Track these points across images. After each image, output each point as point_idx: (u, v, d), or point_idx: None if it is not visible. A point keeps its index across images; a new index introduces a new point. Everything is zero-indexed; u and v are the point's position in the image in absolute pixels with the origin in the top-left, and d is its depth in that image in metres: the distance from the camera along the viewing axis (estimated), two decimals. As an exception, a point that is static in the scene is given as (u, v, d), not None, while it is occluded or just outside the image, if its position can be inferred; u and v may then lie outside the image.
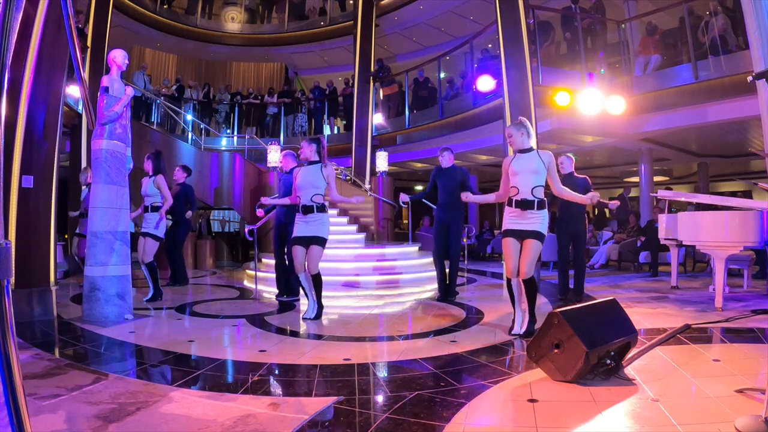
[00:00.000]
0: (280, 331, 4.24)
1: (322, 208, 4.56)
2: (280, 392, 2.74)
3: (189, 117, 12.70)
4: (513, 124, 3.97)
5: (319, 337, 4.02)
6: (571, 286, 5.72)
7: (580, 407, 2.38)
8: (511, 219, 3.85)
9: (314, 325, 4.52)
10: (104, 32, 9.11)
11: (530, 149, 3.86)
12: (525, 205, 3.75)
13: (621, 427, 2.17)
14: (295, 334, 4.19)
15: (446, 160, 5.74)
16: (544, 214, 3.79)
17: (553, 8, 9.23)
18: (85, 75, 7.27)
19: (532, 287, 3.83)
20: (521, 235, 3.81)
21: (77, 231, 7.05)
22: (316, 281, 4.64)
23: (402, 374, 3.02)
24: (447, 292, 5.73)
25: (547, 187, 3.91)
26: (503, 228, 3.94)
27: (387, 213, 9.86)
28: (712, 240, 4.73)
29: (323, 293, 5.93)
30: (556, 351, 2.70)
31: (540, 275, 7.33)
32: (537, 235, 3.76)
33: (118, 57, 4.69)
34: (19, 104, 4.25)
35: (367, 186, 10.57)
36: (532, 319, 3.92)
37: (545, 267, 8.65)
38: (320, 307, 4.67)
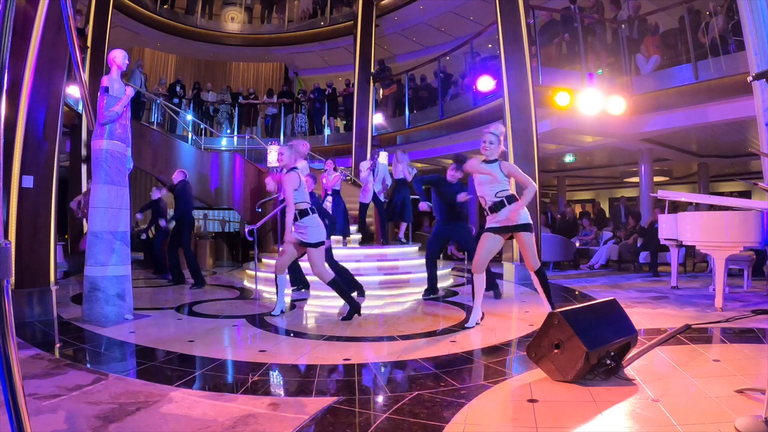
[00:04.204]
0: (280, 331, 4.24)
1: (304, 213, 4.57)
2: (280, 392, 2.74)
3: (189, 117, 12.70)
4: (490, 133, 4.20)
5: (319, 337, 4.02)
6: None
7: (580, 407, 2.38)
8: (494, 220, 4.13)
9: (313, 326, 4.52)
10: (104, 32, 9.11)
11: (494, 161, 4.15)
12: (496, 207, 4.07)
13: (621, 427, 2.17)
14: (295, 334, 4.18)
15: (451, 176, 5.69)
16: (520, 206, 4.06)
17: (553, 8, 9.23)
18: (85, 75, 7.29)
19: (543, 277, 4.17)
20: (506, 231, 4.11)
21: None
22: (335, 285, 4.64)
23: (402, 374, 3.02)
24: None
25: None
26: (486, 226, 4.19)
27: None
28: (712, 240, 4.73)
29: (322, 293, 5.93)
30: (556, 351, 2.70)
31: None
32: (525, 227, 4.08)
33: (118, 57, 4.69)
34: (19, 104, 4.25)
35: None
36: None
37: (545, 267, 8.65)
38: (352, 306, 4.64)
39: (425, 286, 5.97)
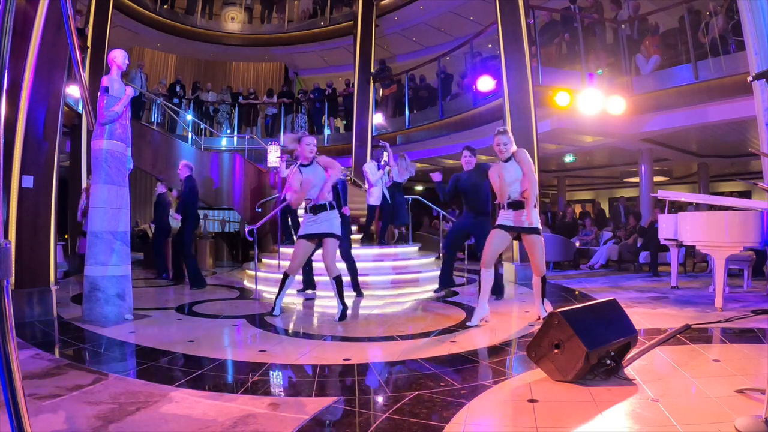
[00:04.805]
0: (280, 331, 4.24)
1: (332, 206, 4.63)
2: (280, 392, 2.74)
3: (189, 117, 12.70)
4: (503, 134, 4.19)
5: (319, 337, 4.02)
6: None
7: (580, 407, 2.38)
8: (506, 218, 4.20)
9: (314, 326, 4.52)
10: (104, 32, 9.11)
11: (510, 158, 4.20)
12: (517, 205, 4.14)
13: (621, 427, 2.17)
14: (295, 334, 4.19)
15: (466, 162, 5.56)
16: (533, 210, 4.13)
17: (553, 8, 9.23)
18: (85, 75, 7.28)
19: (545, 284, 4.28)
20: (516, 231, 4.19)
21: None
22: (338, 282, 4.64)
23: (402, 374, 3.02)
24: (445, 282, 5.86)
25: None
26: (497, 222, 4.23)
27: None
28: (712, 240, 4.73)
29: (322, 293, 5.93)
30: (556, 351, 2.70)
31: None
32: (536, 231, 4.17)
33: (118, 57, 4.69)
34: (19, 104, 4.25)
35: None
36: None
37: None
38: (345, 307, 4.63)
39: (426, 286, 5.97)
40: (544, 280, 4.28)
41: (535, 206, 4.18)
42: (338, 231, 4.62)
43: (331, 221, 4.58)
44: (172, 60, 15.67)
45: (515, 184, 4.14)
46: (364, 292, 6.06)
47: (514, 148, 4.22)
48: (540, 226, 4.21)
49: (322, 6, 14.27)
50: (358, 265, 6.16)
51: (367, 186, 7.97)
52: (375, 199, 7.86)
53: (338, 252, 5.05)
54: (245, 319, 4.70)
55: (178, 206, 7.02)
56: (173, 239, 7.13)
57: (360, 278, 6.14)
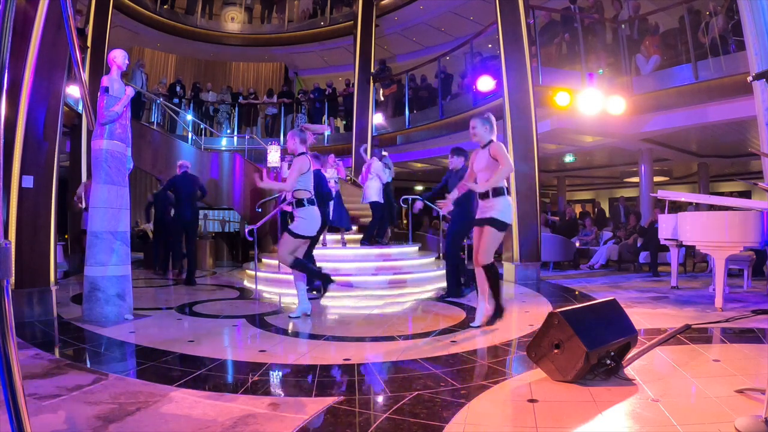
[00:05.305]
0: (280, 331, 4.24)
1: (300, 203, 4.59)
2: (280, 392, 2.74)
3: (189, 117, 12.70)
4: (476, 117, 4.11)
5: (319, 337, 4.02)
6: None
7: (580, 407, 2.38)
8: (479, 211, 4.11)
9: (314, 326, 4.52)
10: (104, 32, 9.11)
11: (487, 143, 4.03)
12: (482, 196, 4.02)
13: (621, 427, 2.17)
14: (295, 334, 4.19)
15: (454, 163, 5.61)
16: (500, 200, 3.94)
17: (553, 8, 9.23)
18: (85, 75, 7.29)
19: (491, 273, 4.00)
20: (479, 223, 4.04)
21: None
22: (299, 266, 4.67)
23: (402, 374, 3.02)
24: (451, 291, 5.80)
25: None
26: (476, 217, 4.18)
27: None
28: (712, 240, 4.73)
29: (322, 293, 5.90)
30: (556, 351, 2.70)
31: (540, 275, 7.33)
32: (492, 222, 3.91)
33: (118, 57, 4.69)
34: (19, 104, 4.25)
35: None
36: (498, 309, 4.09)
37: (545, 267, 8.65)
38: (323, 279, 4.78)
39: (426, 286, 5.95)
40: (488, 271, 3.96)
41: (502, 194, 3.93)
42: (299, 231, 4.57)
43: (297, 221, 4.61)
44: (172, 60, 15.67)
45: (482, 173, 4.04)
46: (362, 293, 6.04)
47: (493, 137, 4.04)
48: (501, 219, 3.90)
49: (322, 6, 14.27)
50: (359, 265, 6.15)
51: (370, 179, 7.84)
52: (380, 196, 7.77)
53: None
54: (245, 319, 4.70)
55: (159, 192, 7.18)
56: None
57: (360, 278, 6.13)
